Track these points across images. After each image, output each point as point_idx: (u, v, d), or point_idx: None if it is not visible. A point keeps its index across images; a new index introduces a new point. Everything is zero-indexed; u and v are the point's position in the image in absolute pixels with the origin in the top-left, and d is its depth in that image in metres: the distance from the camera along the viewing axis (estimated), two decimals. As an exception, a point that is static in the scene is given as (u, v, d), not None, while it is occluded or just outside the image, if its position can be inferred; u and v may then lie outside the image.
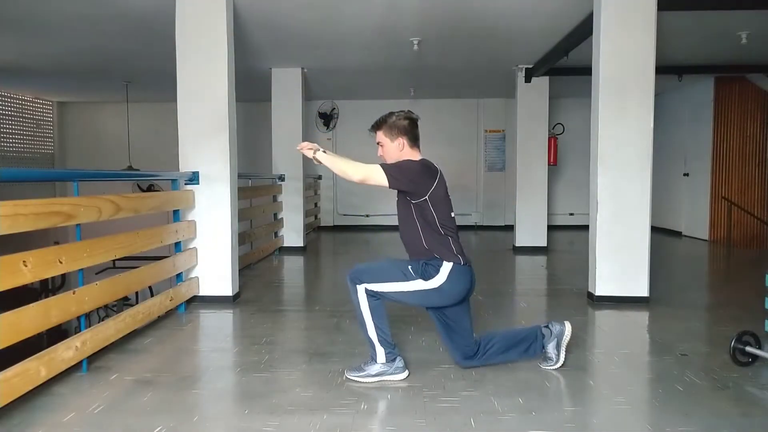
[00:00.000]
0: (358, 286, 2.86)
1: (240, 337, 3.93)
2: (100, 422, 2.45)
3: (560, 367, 3.07)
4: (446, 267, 2.84)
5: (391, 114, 2.96)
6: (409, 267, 2.87)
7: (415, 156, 2.95)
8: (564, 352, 3.09)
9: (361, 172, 2.80)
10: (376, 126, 2.98)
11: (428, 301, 2.95)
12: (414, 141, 2.96)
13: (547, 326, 3.12)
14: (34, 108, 11.07)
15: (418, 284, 2.85)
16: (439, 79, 8.81)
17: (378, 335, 2.88)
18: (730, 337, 3.14)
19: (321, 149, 2.83)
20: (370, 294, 2.86)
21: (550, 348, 3.08)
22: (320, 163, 2.83)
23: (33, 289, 7.59)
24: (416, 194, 2.84)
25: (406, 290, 2.86)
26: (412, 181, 2.82)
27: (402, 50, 6.58)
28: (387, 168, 2.80)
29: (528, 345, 3.08)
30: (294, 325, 4.24)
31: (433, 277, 2.84)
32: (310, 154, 2.82)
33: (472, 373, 3.01)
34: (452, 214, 2.96)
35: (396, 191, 2.92)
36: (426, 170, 2.88)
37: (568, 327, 3.10)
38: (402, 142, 2.93)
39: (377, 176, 2.77)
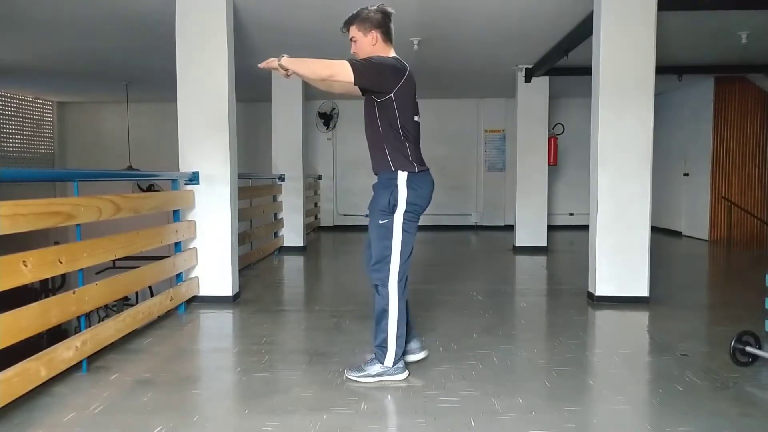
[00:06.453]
0: (389, 288, 2.82)
1: (240, 337, 3.94)
2: (100, 422, 2.45)
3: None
4: (402, 177, 2.80)
5: (365, 8, 2.84)
6: (380, 221, 2.84)
7: (388, 53, 2.88)
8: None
9: (328, 68, 2.67)
10: (349, 21, 2.87)
11: (415, 219, 2.87)
12: (388, 36, 2.86)
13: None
14: (34, 108, 11.06)
15: (398, 219, 2.81)
16: (439, 80, 8.79)
17: (397, 341, 2.86)
18: (730, 337, 3.14)
19: (283, 55, 2.70)
20: (401, 293, 2.83)
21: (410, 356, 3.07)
22: (288, 71, 2.69)
23: (33, 289, 7.61)
24: (381, 92, 2.75)
25: (401, 234, 2.81)
26: (379, 75, 2.73)
27: (402, 50, 6.49)
28: (354, 62, 2.68)
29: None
30: (294, 325, 4.24)
31: (397, 199, 2.79)
32: (274, 64, 2.69)
33: (472, 374, 3.01)
34: (416, 119, 2.88)
35: (365, 99, 2.86)
36: (394, 65, 2.80)
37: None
38: (375, 35, 2.83)
39: (344, 71, 2.64)
